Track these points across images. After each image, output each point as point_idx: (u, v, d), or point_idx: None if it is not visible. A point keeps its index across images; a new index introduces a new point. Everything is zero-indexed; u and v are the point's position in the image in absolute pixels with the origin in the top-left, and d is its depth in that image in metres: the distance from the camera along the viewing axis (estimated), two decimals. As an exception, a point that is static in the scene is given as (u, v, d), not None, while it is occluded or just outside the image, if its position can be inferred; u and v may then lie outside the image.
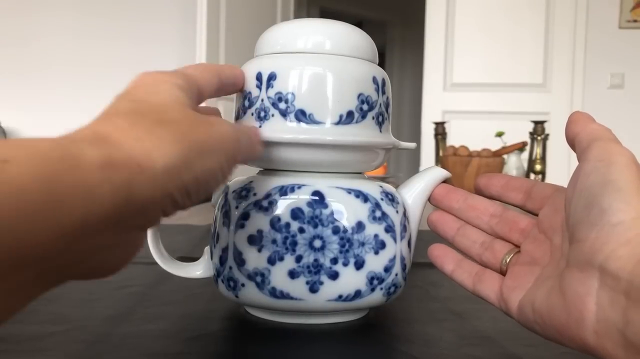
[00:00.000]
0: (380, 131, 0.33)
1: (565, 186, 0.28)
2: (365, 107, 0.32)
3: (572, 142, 0.25)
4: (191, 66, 0.26)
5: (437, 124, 1.70)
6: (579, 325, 0.21)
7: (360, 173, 0.35)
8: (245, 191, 0.32)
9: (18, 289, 0.16)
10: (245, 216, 0.31)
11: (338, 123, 0.31)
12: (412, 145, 0.36)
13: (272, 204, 0.31)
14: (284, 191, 0.31)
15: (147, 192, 0.19)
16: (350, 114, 0.31)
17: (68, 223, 0.16)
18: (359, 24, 3.63)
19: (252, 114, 0.32)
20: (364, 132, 0.32)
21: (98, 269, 0.20)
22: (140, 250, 0.22)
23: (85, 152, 0.17)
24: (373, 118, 0.32)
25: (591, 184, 0.22)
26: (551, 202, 0.27)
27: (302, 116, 0.31)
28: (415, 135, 3.47)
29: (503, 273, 0.28)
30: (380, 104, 0.33)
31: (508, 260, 0.28)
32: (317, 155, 0.31)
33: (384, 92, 0.33)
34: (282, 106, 0.31)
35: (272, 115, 0.31)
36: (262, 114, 0.31)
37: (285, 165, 0.32)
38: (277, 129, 0.31)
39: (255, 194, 0.31)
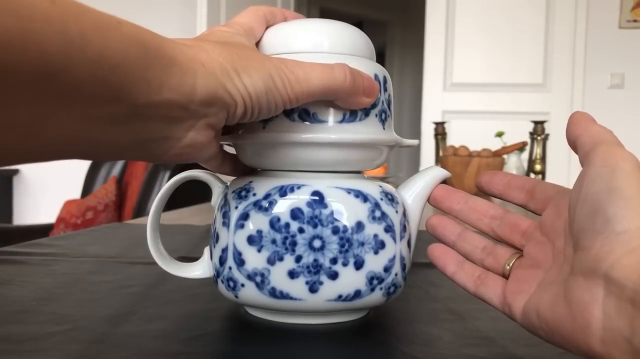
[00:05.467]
0: (384, 128, 0.33)
1: (566, 186, 0.27)
2: (367, 105, 0.32)
3: (573, 144, 0.25)
4: (242, 15, 0.32)
5: (437, 124, 1.70)
6: (585, 333, 0.21)
7: (359, 173, 0.35)
8: (244, 191, 0.32)
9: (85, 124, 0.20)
10: (244, 216, 0.31)
11: (341, 121, 0.31)
12: (415, 142, 0.36)
13: (272, 204, 0.31)
14: (283, 191, 0.31)
15: (209, 85, 0.24)
16: (353, 112, 0.31)
17: (148, 89, 0.21)
18: (359, 24, 3.63)
19: (253, 114, 0.32)
20: (367, 130, 0.32)
21: (152, 151, 0.25)
22: (206, 152, 0.27)
23: (168, 44, 0.22)
24: (376, 115, 0.32)
25: (596, 191, 0.22)
26: (554, 204, 0.27)
27: (305, 115, 0.31)
28: (415, 135, 3.47)
29: (506, 276, 0.28)
30: (382, 102, 0.33)
31: (511, 265, 0.28)
32: (321, 154, 0.31)
33: (385, 90, 0.33)
34: (284, 105, 0.31)
35: (276, 115, 0.31)
36: (263, 114, 0.31)
37: (289, 165, 0.32)
38: (281, 128, 0.31)
39: (254, 194, 0.31)
